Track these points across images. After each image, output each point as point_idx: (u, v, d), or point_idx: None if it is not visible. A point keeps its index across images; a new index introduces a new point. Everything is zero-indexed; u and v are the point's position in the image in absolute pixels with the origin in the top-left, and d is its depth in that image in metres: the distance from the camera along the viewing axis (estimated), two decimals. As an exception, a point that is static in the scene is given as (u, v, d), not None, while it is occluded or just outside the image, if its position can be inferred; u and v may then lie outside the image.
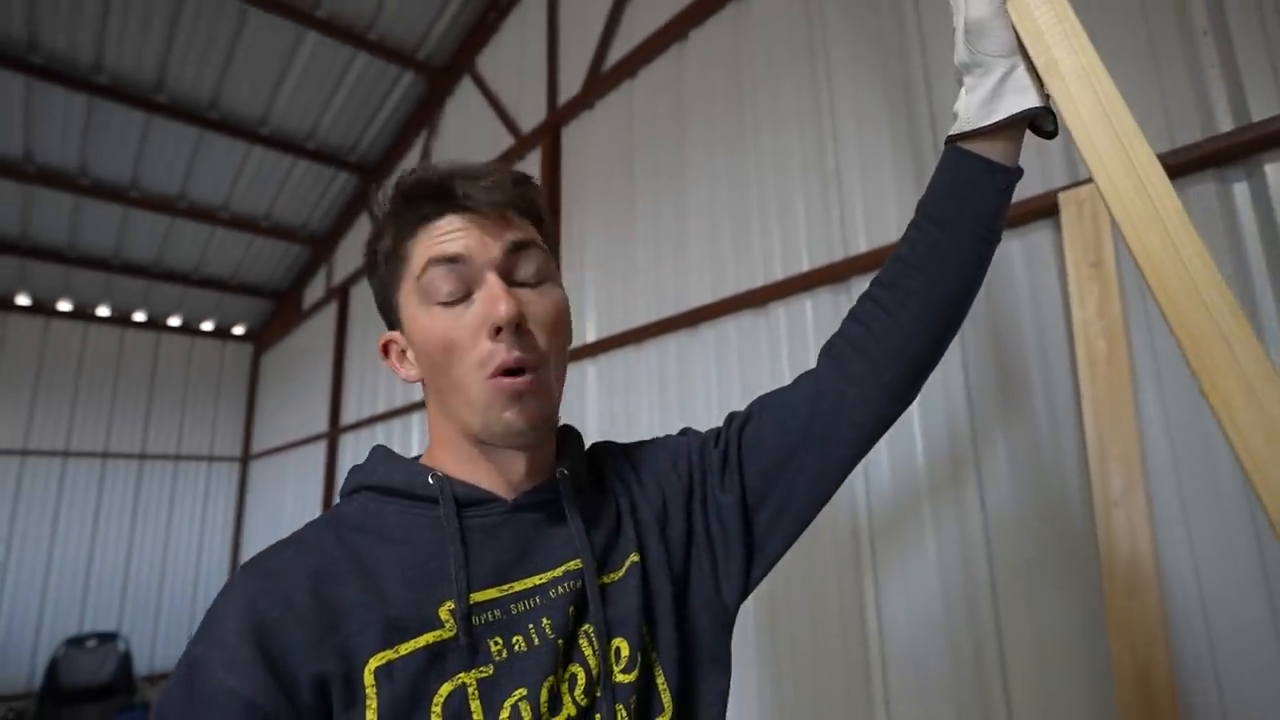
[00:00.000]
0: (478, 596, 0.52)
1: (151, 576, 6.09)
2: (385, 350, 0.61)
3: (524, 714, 0.49)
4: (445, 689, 0.48)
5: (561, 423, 0.64)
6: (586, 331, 2.59)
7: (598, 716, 0.52)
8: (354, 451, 4.56)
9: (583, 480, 0.63)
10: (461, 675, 0.49)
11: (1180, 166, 1.20)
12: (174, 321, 6.65)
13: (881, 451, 1.58)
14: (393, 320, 0.60)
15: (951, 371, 1.49)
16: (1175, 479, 1.17)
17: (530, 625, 0.53)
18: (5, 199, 4.64)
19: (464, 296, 0.54)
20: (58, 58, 3.64)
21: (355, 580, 0.50)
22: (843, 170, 1.77)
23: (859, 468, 1.58)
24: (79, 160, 4.41)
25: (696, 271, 2.15)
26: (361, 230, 5.06)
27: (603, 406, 2.48)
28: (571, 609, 0.55)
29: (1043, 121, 0.60)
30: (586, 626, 0.55)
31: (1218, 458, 1.13)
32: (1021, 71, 0.59)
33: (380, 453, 0.61)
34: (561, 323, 0.58)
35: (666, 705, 0.55)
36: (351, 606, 0.49)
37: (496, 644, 0.51)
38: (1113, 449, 1.22)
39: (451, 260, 0.53)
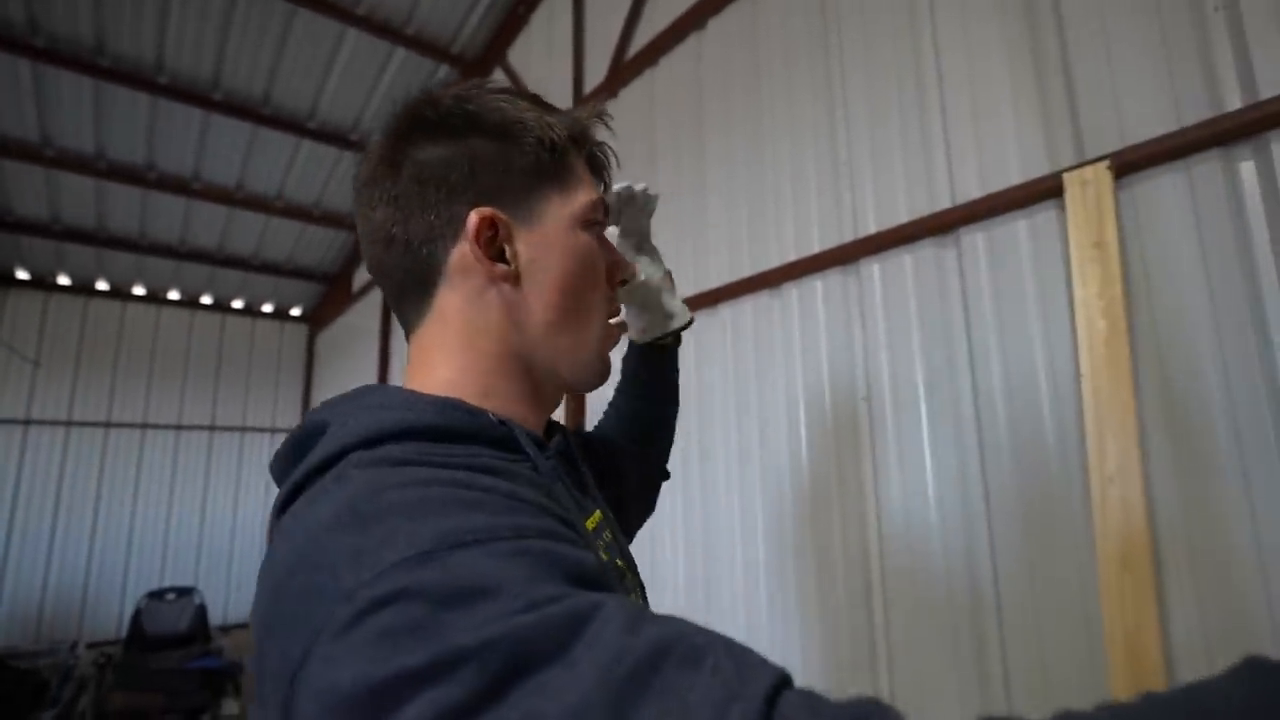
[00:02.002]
0: (591, 524, 0.53)
1: (222, 536, 6.61)
2: (480, 228, 0.47)
3: None
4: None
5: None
6: (613, 313, 2.68)
7: None
8: (401, 427, 4.79)
9: None
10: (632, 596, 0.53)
11: (1187, 145, 1.20)
12: (237, 304, 7.05)
13: (887, 414, 1.63)
14: (505, 203, 0.49)
15: (956, 350, 1.52)
16: (1171, 459, 1.19)
17: (617, 560, 0.55)
18: (81, 193, 5.00)
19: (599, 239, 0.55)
20: (122, 59, 3.89)
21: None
22: (854, 156, 1.79)
23: (868, 436, 1.63)
24: (146, 155, 4.71)
25: (714, 254, 2.20)
26: (405, 215, 5.24)
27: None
28: (619, 559, 0.56)
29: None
30: (624, 568, 0.57)
31: (1216, 439, 1.14)
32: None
33: (391, 389, 0.46)
34: None
35: None
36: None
37: (616, 561, 0.54)
38: (1110, 427, 1.25)
39: (628, 203, 0.60)
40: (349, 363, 6.20)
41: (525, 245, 0.49)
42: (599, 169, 0.57)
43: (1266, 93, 1.13)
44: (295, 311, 7.46)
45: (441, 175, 0.48)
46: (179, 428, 6.56)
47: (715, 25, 2.33)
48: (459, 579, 0.27)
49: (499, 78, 3.86)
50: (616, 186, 0.76)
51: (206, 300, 6.85)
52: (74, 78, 3.90)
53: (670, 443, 0.94)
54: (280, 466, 0.45)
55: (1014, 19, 1.49)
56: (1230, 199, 1.18)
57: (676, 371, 0.93)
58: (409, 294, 0.50)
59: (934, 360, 1.57)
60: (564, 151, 0.51)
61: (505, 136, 0.49)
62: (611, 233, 0.84)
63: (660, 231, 2.50)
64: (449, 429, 0.42)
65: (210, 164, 4.89)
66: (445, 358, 0.49)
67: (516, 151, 0.49)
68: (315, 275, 6.79)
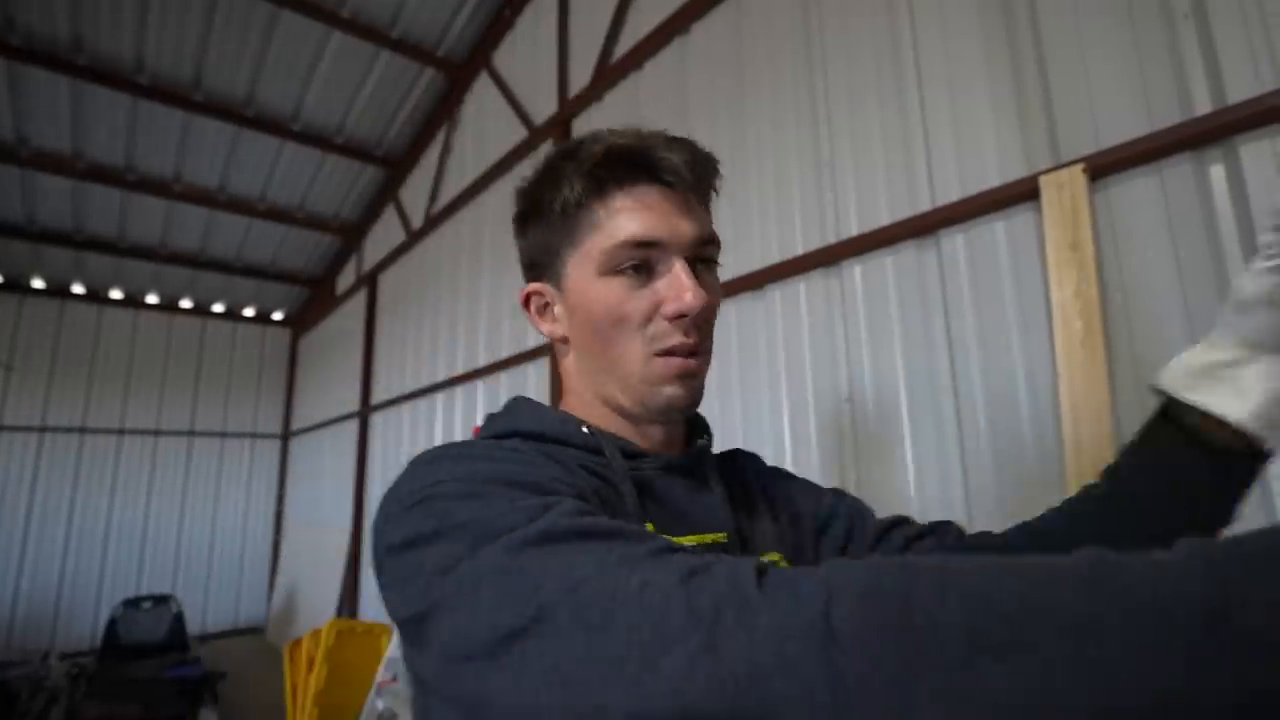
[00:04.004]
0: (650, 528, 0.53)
1: (201, 544, 6.50)
2: (527, 301, 0.60)
3: None
4: None
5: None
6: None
7: None
8: (383, 428, 4.76)
9: (714, 458, 0.64)
10: None
11: (1159, 149, 1.22)
12: (218, 308, 6.95)
13: (869, 415, 1.64)
14: (544, 273, 0.58)
15: (937, 350, 1.53)
16: (1145, 455, 1.20)
17: None
18: (58, 194, 4.92)
19: (645, 273, 0.54)
20: (101, 58, 3.84)
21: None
22: (837, 159, 1.81)
23: (850, 437, 1.64)
24: (125, 156, 4.65)
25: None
26: (388, 218, 5.22)
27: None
28: None
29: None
30: None
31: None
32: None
33: (526, 403, 0.60)
34: (715, 312, 0.59)
35: None
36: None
37: None
38: (1086, 426, 1.26)
39: (649, 244, 0.53)
40: (332, 368, 6.14)
41: (562, 306, 0.58)
42: (610, 181, 0.53)
43: (1235, 97, 1.16)
44: (278, 315, 7.38)
45: (522, 263, 0.62)
46: (157, 433, 6.45)
47: (699, 29, 2.34)
48: (459, 492, 0.43)
49: (484, 81, 3.86)
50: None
51: (186, 304, 6.76)
52: (50, 76, 3.85)
53: None
54: None
55: (992, 25, 1.51)
56: (1201, 201, 1.20)
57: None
58: None
59: (915, 362, 1.58)
60: (577, 205, 0.54)
61: (539, 213, 0.57)
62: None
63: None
64: (542, 433, 0.56)
65: (192, 165, 4.83)
66: (565, 396, 0.63)
67: (545, 225, 0.57)
68: (299, 279, 6.73)
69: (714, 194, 0.61)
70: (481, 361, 3.55)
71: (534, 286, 0.60)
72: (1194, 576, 0.26)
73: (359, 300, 5.63)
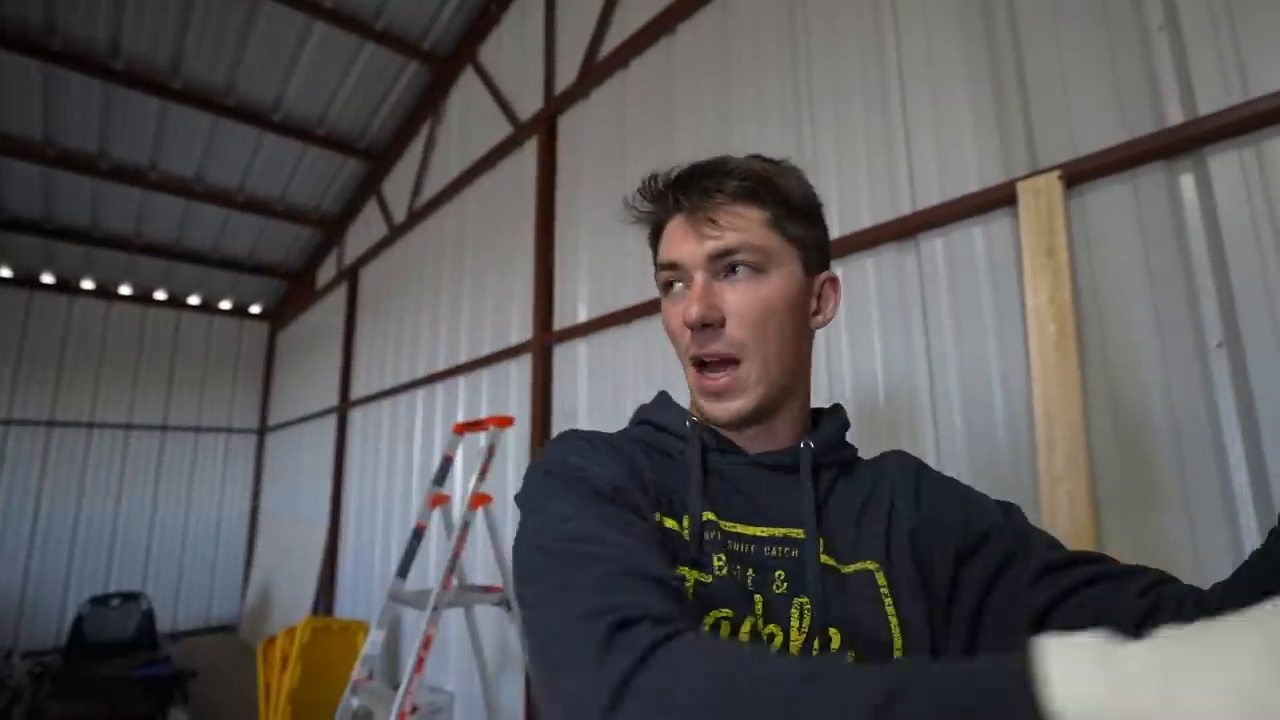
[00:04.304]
0: (709, 516, 0.58)
1: (173, 540, 6.39)
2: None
3: (722, 631, 0.53)
4: (677, 570, 0.55)
5: (831, 403, 0.72)
6: (579, 311, 2.68)
7: None
8: (362, 424, 4.71)
9: (833, 460, 0.65)
10: (684, 569, 0.55)
11: (1132, 158, 1.25)
12: (194, 300, 6.83)
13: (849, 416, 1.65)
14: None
15: (915, 350, 1.56)
16: (1117, 459, 1.23)
17: (738, 566, 0.56)
18: (28, 181, 4.80)
19: (682, 290, 0.63)
20: (75, 43, 3.76)
21: (642, 464, 0.61)
22: (820, 161, 1.82)
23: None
24: (98, 144, 4.55)
25: (683, 256, 2.21)
26: (370, 212, 5.17)
27: (594, 383, 2.57)
28: (780, 573, 0.57)
29: None
30: (802, 600, 0.55)
31: (1156, 440, 1.19)
32: None
33: (662, 397, 0.71)
34: (770, 312, 0.59)
35: None
36: (643, 474, 0.59)
37: (719, 560, 0.56)
38: (1059, 428, 1.29)
39: (672, 266, 0.62)
40: (310, 362, 6.06)
41: None
42: (655, 213, 0.66)
43: (1205, 109, 1.19)
44: (255, 309, 7.26)
45: None
46: (129, 427, 6.32)
47: (686, 29, 2.35)
48: (550, 473, 0.56)
49: (469, 76, 3.83)
50: None
51: (161, 295, 6.63)
52: (21, 60, 3.76)
53: None
54: None
55: (973, 32, 1.54)
56: (1172, 209, 1.23)
57: None
58: None
59: (893, 363, 1.60)
60: (651, 237, 0.67)
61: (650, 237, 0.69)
62: None
63: (628, 232, 2.52)
64: (654, 421, 0.67)
65: (168, 154, 4.74)
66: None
67: (652, 249, 0.68)
68: (278, 272, 6.63)
69: (772, 196, 0.62)
70: (463, 358, 3.52)
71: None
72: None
73: (339, 294, 5.56)
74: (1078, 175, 1.31)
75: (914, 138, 1.63)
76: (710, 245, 0.59)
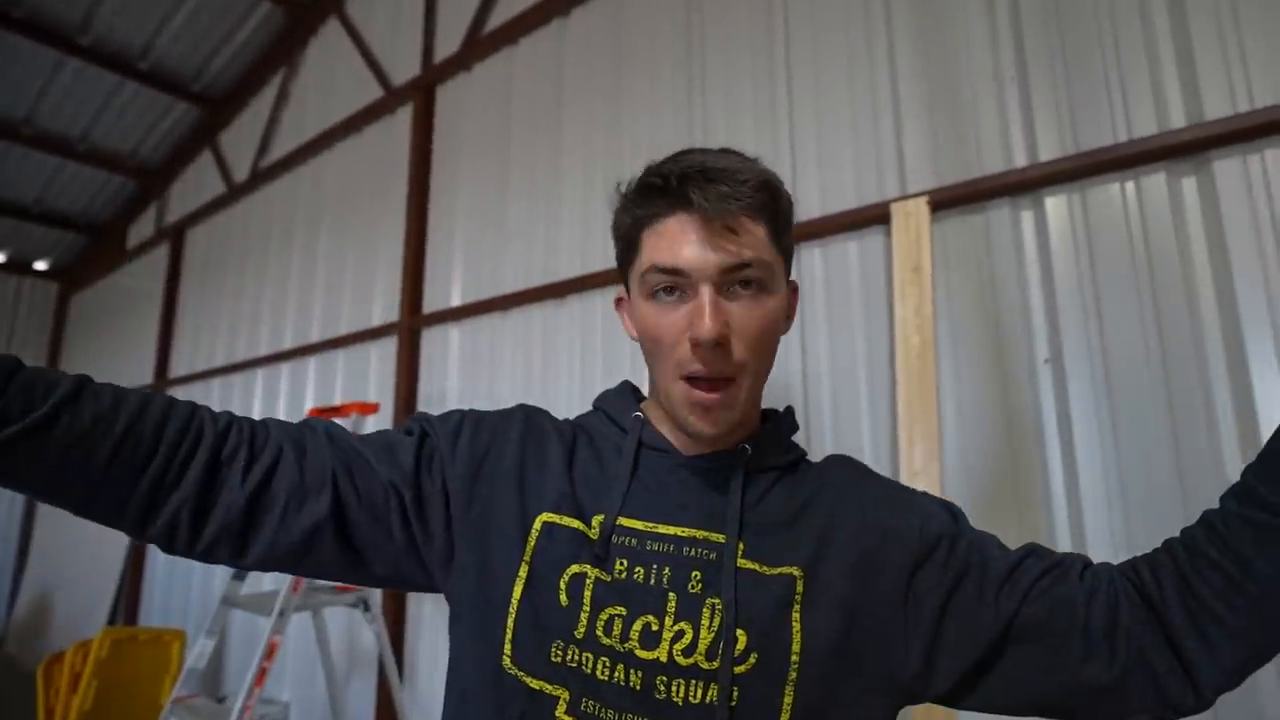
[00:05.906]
0: (625, 521, 0.59)
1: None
2: (618, 304, 0.70)
3: (615, 628, 0.55)
4: (574, 569, 0.58)
5: (784, 406, 0.72)
6: (451, 295, 2.54)
7: (693, 683, 0.53)
8: (186, 411, 4.14)
9: (774, 463, 0.64)
10: (588, 567, 0.58)
11: (1135, 157, 1.27)
12: (-48, 250, 5.60)
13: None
14: (625, 282, 0.66)
15: (791, 357, 1.65)
16: (963, 453, 1.39)
17: (654, 566, 0.58)
18: None
19: (679, 297, 0.57)
20: None
21: (565, 457, 0.64)
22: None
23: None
24: None
25: (567, 245, 2.17)
26: (203, 166, 4.53)
27: (465, 371, 2.45)
28: (696, 573, 0.57)
29: None
30: (715, 600, 0.56)
31: (994, 439, 1.35)
32: None
33: (623, 387, 0.72)
34: (768, 333, 0.58)
35: None
36: (553, 469, 0.62)
37: (621, 564, 0.58)
38: (917, 427, 1.42)
39: (673, 272, 0.56)
40: (116, 332, 5.22)
41: (631, 316, 0.65)
42: (651, 207, 0.58)
43: (1045, 156, 1.37)
44: (41, 265, 6.11)
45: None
46: None
47: (579, 14, 2.30)
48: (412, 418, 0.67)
49: (333, 27, 3.48)
50: None
51: (-95, 240, 5.36)
52: None
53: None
54: None
55: (859, 55, 1.65)
56: (1014, 240, 1.40)
57: None
58: None
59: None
60: (632, 230, 0.61)
61: (616, 228, 0.64)
62: None
63: (509, 216, 2.43)
64: (606, 410, 0.69)
65: (-77, 66, 3.82)
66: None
67: (620, 240, 0.64)
68: (75, 224, 5.61)
69: (775, 213, 0.60)
70: (315, 337, 3.20)
71: (621, 292, 0.69)
72: None
73: (158, 256, 4.83)
74: (941, 202, 1.46)
75: (798, 147, 1.72)
76: (726, 258, 0.55)
